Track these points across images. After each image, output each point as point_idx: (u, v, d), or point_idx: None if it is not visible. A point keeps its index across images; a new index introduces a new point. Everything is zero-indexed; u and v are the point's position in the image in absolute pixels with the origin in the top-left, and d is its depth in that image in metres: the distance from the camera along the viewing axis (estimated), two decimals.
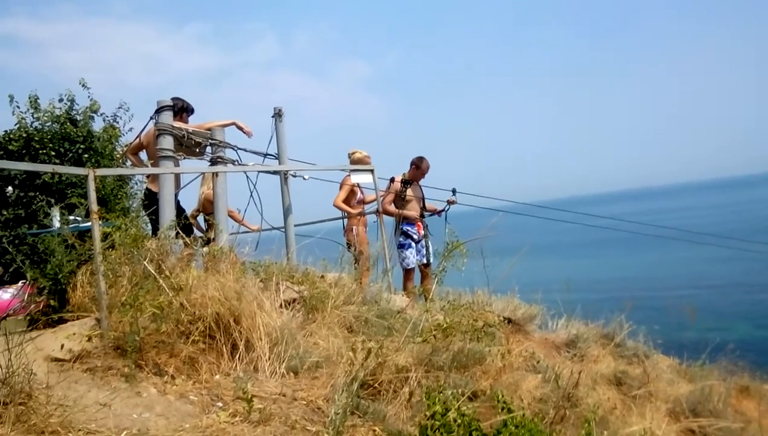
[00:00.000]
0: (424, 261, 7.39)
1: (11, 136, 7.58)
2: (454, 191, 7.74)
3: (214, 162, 5.68)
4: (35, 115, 7.96)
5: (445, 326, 4.25)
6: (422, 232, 7.45)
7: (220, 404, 3.30)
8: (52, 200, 5.65)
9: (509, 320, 5.97)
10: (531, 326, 6.37)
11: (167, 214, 5.10)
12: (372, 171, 6.67)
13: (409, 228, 7.34)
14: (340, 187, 7.13)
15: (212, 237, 5.46)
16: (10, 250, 4.22)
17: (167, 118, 5.37)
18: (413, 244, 7.32)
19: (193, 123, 5.85)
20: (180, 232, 4.89)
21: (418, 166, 7.48)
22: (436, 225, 7.58)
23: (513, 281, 6.55)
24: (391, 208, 7.33)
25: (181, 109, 5.77)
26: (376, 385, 3.70)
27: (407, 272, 7.30)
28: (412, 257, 7.27)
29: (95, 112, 8.34)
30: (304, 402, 3.52)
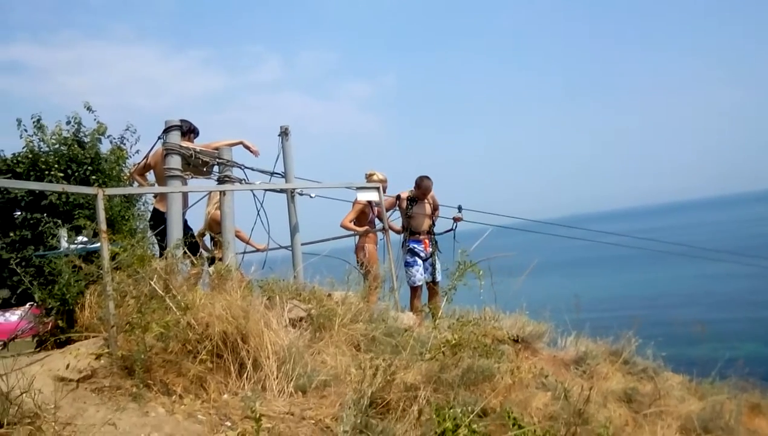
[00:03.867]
0: (432, 279, 7.35)
1: (19, 158, 7.64)
2: (459, 208, 7.72)
3: (221, 181, 5.70)
4: (42, 138, 8.03)
5: (453, 342, 4.22)
6: (429, 249, 7.43)
7: (228, 424, 3.27)
8: (59, 221, 5.67)
9: (518, 338, 5.93)
10: (539, 343, 6.32)
11: (175, 234, 5.10)
12: (378, 189, 6.68)
13: (415, 245, 7.33)
14: (352, 207, 7.15)
15: (219, 256, 5.46)
16: (18, 271, 4.23)
17: (175, 137, 5.40)
18: (420, 261, 7.30)
19: (200, 143, 5.89)
20: (187, 251, 4.89)
21: (419, 186, 7.48)
22: (445, 243, 7.56)
23: (521, 298, 6.52)
24: (394, 224, 7.34)
25: (189, 131, 5.83)
26: (384, 403, 3.67)
27: (414, 290, 7.27)
28: (419, 275, 7.24)
29: (102, 134, 8.42)
30: (313, 421, 3.48)
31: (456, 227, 7.66)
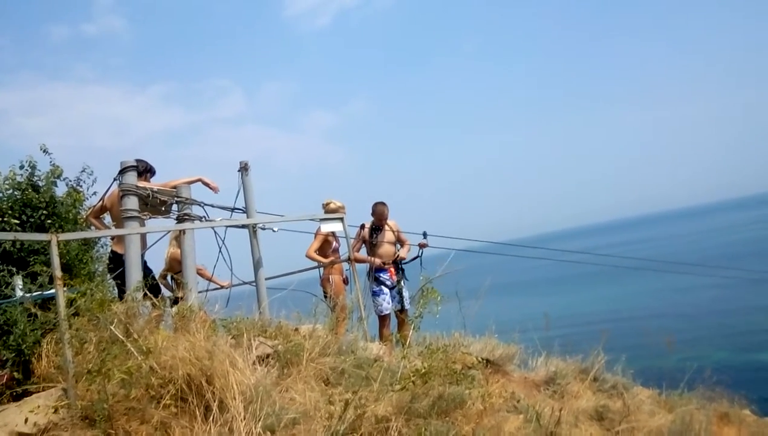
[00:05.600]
0: (399, 307, 7.33)
1: None
2: (424, 234, 7.74)
3: (180, 220, 5.62)
4: None
5: (423, 371, 4.20)
6: (395, 278, 7.41)
7: None
8: (14, 269, 5.50)
9: (488, 361, 5.93)
10: (510, 365, 6.34)
11: (134, 276, 4.99)
12: (342, 219, 6.66)
13: (381, 274, 7.31)
14: (314, 237, 7.10)
15: (181, 296, 5.36)
16: None
17: (131, 178, 5.33)
18: (387, 290, 7.27)
19: (159, 181, 5.81)
20: (147, 293, 4.79)
21: (373, 212, 7.50)
22: (412, 270, 7.56)
23: (490, 321, 6.55)
24: (359, 255, 7.32)
25: (145, 171, 5.76)
26: None
27: (382, 319, 7.23)
28: (386, 304, 7.21)
29: (58, 177, 8.22)
30: None
31: (422, 253, 7.67)
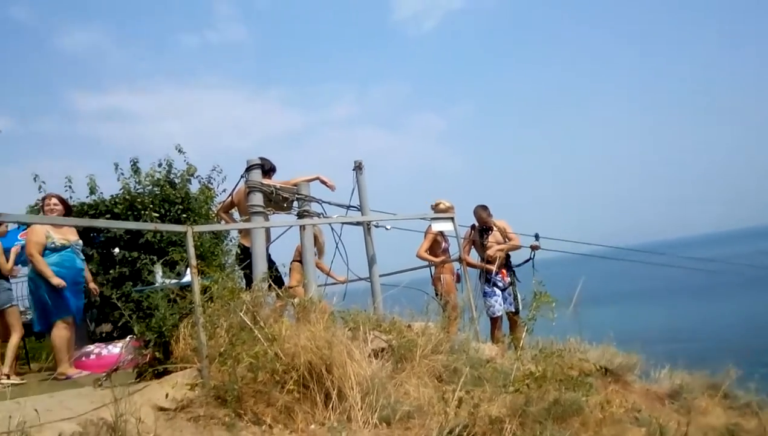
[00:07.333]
0: (512, 309, 7.21)
1: (116, 200, 8.20)
2: (537, 236, 7.54)
3: (301, 215, 5.88)
4: (137, 180, 8.59)
5: (537, 374, 4.12)
6: (507, 279, 7.30)
7: None
8: (155, 258, 6.01)
9: (606, 370, 5.70)
10: (630, 376, 6.04)
11: (260, 267, 5.28)
12: (452, 219, 6.68)
13: (493, 276, 7.23)
14: (424, 237, 7.17)
15: (293, 284, 5.58)
16: (119, 306, 4.48)
17: (257, 175, 5.64)
18: (499, 291, 7.18)
19: (279, 179, 6.12)
20: (272, 284, 5.05)
21: (474, 215, 7.43)
22: (524, 272, 7.40)
23: (608, 328, 6.28)
24: (471, 259, 7.27)
25: (269, 169, 6.07)
26: None
27: (494, 321, 7.15)
28: (498, 305, 7.12)
29: (192, 175, 8.90)
30: None
31: (534, 255, 7.49)
